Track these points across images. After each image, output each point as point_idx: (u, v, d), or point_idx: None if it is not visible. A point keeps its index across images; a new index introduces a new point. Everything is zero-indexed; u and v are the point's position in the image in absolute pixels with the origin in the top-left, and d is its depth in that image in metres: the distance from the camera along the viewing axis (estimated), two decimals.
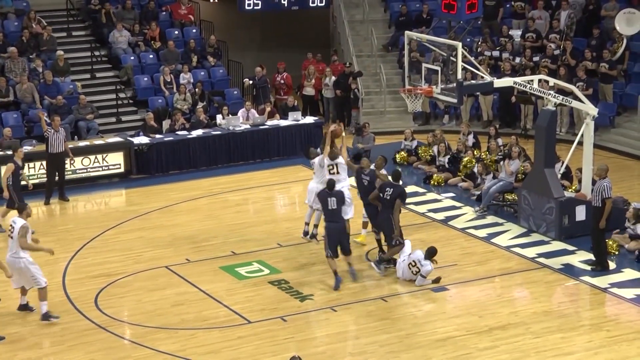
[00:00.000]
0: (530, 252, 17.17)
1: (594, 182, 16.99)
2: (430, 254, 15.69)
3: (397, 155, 23.01)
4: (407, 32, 19.82)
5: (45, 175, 20.72)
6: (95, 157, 21.94)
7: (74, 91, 24.99)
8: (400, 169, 17.51)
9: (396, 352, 13.48)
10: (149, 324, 14.50)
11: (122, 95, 25.94)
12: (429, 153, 22.26)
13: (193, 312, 14.94)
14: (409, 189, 20.94)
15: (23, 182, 19.09)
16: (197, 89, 25.33)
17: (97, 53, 26.86)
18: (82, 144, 22.54)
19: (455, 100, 18.23)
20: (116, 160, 22.11)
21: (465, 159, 21.00)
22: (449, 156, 21.65)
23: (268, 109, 24.70)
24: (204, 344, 13.83)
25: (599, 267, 16.06)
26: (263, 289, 15.70)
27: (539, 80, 19.09)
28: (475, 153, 21.34)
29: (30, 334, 14.28)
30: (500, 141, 21.63)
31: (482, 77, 18.87)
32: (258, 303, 15.25)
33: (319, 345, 13.80)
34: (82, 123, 24.01)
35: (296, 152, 23.64)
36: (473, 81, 20.44)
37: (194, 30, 28.49)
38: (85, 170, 21.77)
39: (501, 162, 19.91)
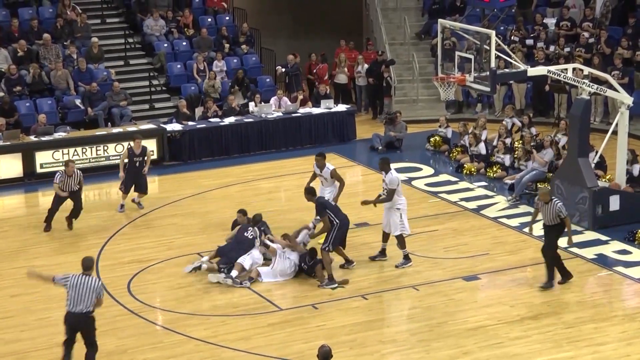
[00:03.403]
0: (563, 242, 16.94)
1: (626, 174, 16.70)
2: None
3: (431, 140, 22.98)
4: (440, 20, 19.71)
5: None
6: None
7: (108, 78, 25.11)
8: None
9: (427, 341, 13.45)
10: (181, 310, 14.57)
11: (155, 82, 26.02)
12: (471, 139, 21.92)
13: (224, 298, 14.98)
14: (442, 177, 21.08)
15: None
16: (238, 75, 25.35)
17: (130, 40, 26.95)
18: (115, 130, 22.69)
19: (488, 89, 18.14)
20: (149, 147, 21.86)
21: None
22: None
23: (300, 96, 24.72)
24: (235, 330, 13.86)
25: (568, 278, 15.30)
26: (294, 276, 15.69)
27: (573, 69, 18.92)
28: (506, 142, 21.22)
29: (62, 319, 14.37)
30: (534, 130, 21.48)
31: (516, 66, 18.70)
32: (289, 290, 15.28)
33: (350, 333, 13.80)
34: (115, 110, 24.12)
35: (328, 140, 23.64)
36: (506, 70, 20.28)
37: (227, 18, 28.51)
38: (118, 157, 21.75)
39: (534, 152, 19.76)
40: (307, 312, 14.43)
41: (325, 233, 15.43)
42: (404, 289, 15.19)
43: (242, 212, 16.58)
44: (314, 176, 17.19)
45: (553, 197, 15.03)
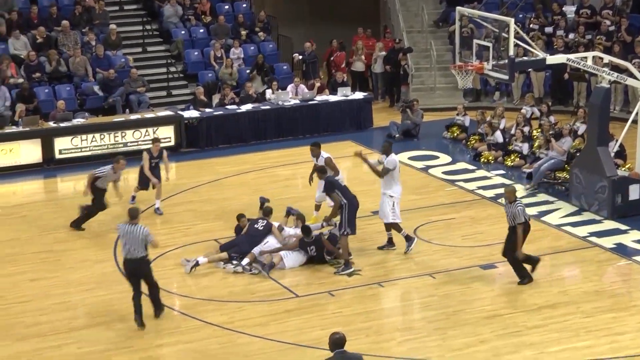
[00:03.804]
0: (582, 231, 16.97)
1: None
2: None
3: (449, 130, 22.95)
4: (458, 8, 19.62)
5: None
6: (146, 130, 22.06)
7: (126, 65, 25.14)
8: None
9: (443, 329, 13.42)
10: (198, 296, 14.61)
11: (172, 69, 26.04)
12: (489, 128, 21.85)
13: (241, 284, 15.00)
14: (459, 165, 21.01)
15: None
16: (257, 60, 25.34)
17: (148, 27, 26.98)
18: (133, 117, 22.71)
19: (506, 77, 18.05)
20: (166, 134, 22.22)
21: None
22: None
23: (317, 84, 24.68)
24: (251, 316, 13.89)
25: (527, 280, 14.90)
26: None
27: (593, 57, 18.79)
28: (525, 131, 21.15)
29: (80, 303, 14.46)
30: (552, 119, 21.39)
31: (535, 54, 18.61)
32: (306, 277, 15.28)
33: (366, 320, 13.78)
34: (133, 96, 24.15)
35: (345, 127, 23.63)
36: (525, 57, 20.21)
37: (244, 5, 28.51)
38: (136, 143, 21.90)
39: (553, 140, 19.68)
40: (323, 299, 14.43)
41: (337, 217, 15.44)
42: (420, 277, 15.14)
43: (241, 215, 16.47)
44: (315, 167, 17.12)
45: (517, 199, 14.54)
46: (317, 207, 17.33)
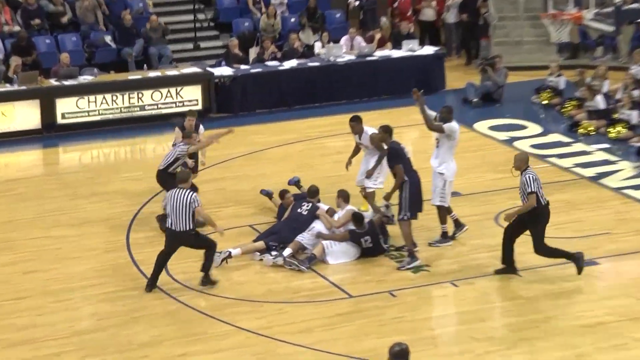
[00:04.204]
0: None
1: None
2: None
3: (540, 95, 22.85)
4: None
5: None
6: (168, 91, 22.10)
7: (144, 10, 25.16)
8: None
9: (530, 340, 13.31)
10: (229, 295, 14.57)
11: (201, 16, 26.04)
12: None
13: (282, 281, 14.96)
14: (552, 137, 20.89)
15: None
16: (309, 4, 25.28)
17: None
18: (152, 74, 22.72)
19: (611, 29, 17.79)
20: (193, 96, 22.24)
21: None
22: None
23: (377, 36, 24.60)
24: (294, 321, 13.84)
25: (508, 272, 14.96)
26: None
27: None
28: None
29: (86, 301, 14.51)
30: None
31: None
32: (361, 273, 15.23)
33: (435, 327, 13.78)
34: (153, 49, 24.22)
35: (411, 89, 23.16)
36: (635, 4, 19.88)
37: None
38: (155, 107, 21.93)
39: None
40: (382, 301, 14.35)
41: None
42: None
43: (285, 192, 16.57)
44: (357, 147, 17.03)
45: (529, 167, 14.62)
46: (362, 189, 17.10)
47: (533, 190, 14.41)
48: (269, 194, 17.21)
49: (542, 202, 14.54)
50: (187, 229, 14.11)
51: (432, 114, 16.12)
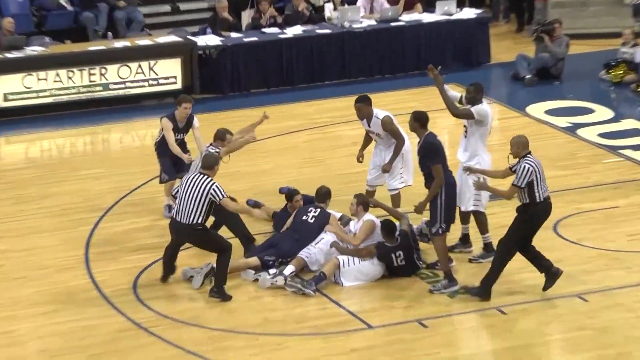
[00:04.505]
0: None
1: None
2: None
3: (611, 71, 22.87)
4: None
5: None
6: (139, 66, 22.16)
7: None
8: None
9: None
10: (216, 325, 14.53)
11: None
12: None
13: (283, 308, 14.98)
14: (626, 124, 21.09)
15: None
16: None
17: None
18: (119, 44, 22.79)
19: None
20: (170, 71, 22.32)
21: None
22: None
23: None
24: (297, 358, 13.83)
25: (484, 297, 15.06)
26: (393, 276, 15.62)
27: None
28: None
29: (33, 334, 14.43)
30: None
31: None
32: (382, 296, 15.25)
33: None
34: (119, 13, 24.33)
35: (447, 63, 23.45)
36: None
37: None
38: (123, 85, 21.89)
39: None
40: (410, 332, 14.34)
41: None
42: (562, 299, 15.05)
43: (294, 192, 16.77)
44: (367, 135, 17.09)
45: (528, 154, 14.71)
46: (371, 194, 17.17)
47: (521, 185, 14.56)
48: (257, 205, 17.12)
49: (538, 199, 14.66)
50: (193, 222, 14.35)
51: (456, 95, 16.15)
